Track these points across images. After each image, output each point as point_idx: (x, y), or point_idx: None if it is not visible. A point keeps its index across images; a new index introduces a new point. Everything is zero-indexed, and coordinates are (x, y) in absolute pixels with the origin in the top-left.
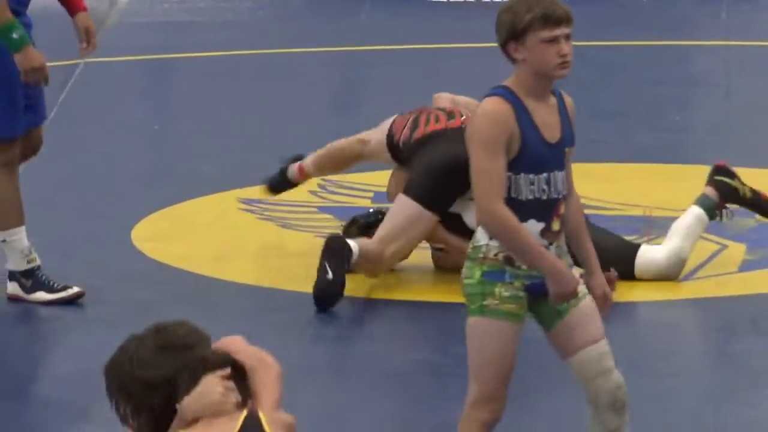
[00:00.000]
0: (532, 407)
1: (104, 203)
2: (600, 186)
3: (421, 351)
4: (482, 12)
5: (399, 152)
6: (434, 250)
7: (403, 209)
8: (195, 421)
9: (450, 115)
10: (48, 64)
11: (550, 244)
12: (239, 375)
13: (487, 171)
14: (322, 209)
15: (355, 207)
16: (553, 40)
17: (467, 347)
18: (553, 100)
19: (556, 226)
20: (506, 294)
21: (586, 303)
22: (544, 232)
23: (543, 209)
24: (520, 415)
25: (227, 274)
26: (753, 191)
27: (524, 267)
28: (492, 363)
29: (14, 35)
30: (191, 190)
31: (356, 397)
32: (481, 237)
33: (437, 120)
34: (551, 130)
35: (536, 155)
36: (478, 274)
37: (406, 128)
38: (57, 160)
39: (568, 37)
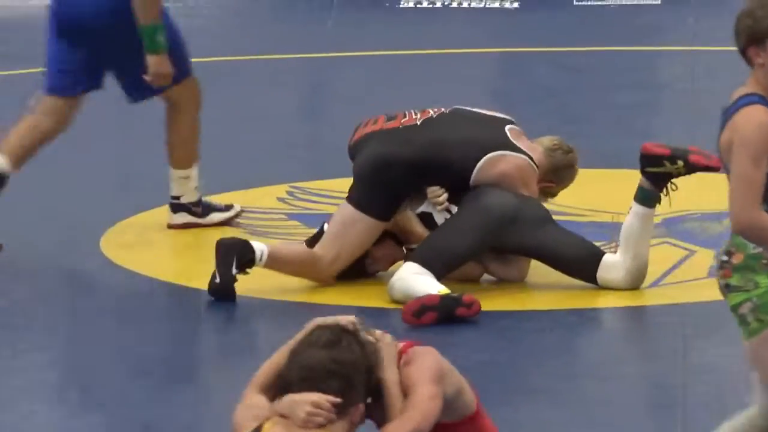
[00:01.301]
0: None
1: (74, 211)
2: (568, 191)
3: None
4: (450, 18)
5: (349, 157)
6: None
7: (341, 213)
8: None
9: (391, 117)
10: (21, 71)
11: None
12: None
13: (750, 179)
14: (291, 216)
15: (324, 213)
16: None
17: (760, 363)
18: None
19: None
20: None
21: None
22: None
23: None
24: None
25: (197, 282)
26: (685, 163)
27: None
28: None
29: (159, 38)
30: (161, 198)
31: None
32: (748, 243)
33: (375, 122)
34: None
35: None
36: (766, 281)
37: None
38: (27, 168)
39: None
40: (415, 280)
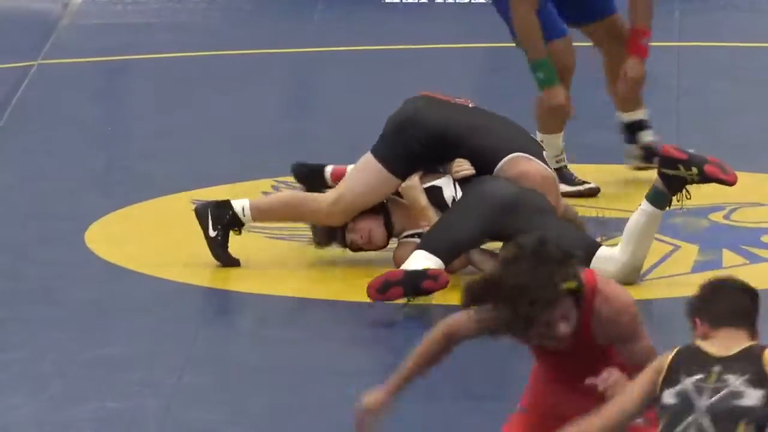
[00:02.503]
0: None
1: (58, 205)
2: None
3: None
4: (437, 13)
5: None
6: (409, 236)
7: (360, 160)
8: None
9: (446, 94)
10: (1, 66)
11: None
12: None
13: None
14: None
15: None
16: None
17: None
18: None
19: None
20: None
21: None
22: None
23: None
24: None
25: (182, 276)
26: (700, 171)
27: None
28: None
29: (540, 74)
30: (145, 192)
31: (314, 399)
32: None
33: (432, 91)
34: None
35: None
36: None
37: None
38: (10, 162)
39: None
40: (407, 263)
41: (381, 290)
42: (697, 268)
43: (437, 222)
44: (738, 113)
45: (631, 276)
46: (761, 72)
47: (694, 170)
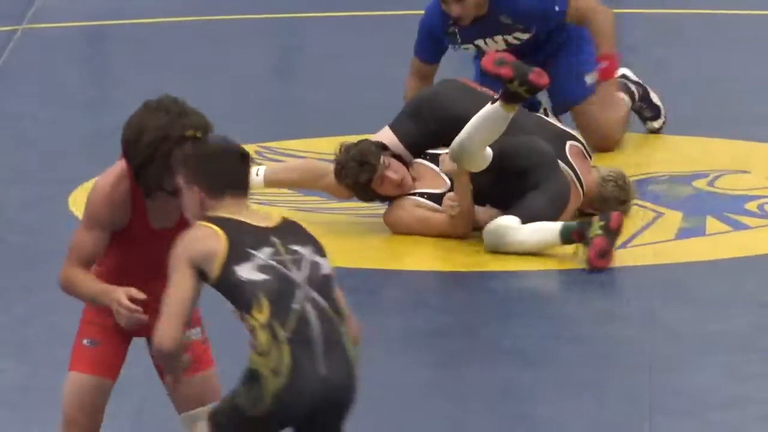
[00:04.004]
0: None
1: (42, 169)
2: None
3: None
4: None
5: None
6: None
7: (377, 133)
8: None
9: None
10: None
11: None
12: None
13: None
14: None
15: None
16: None
17: None
18: None
19: None
20: None
21: None
22: None
23: None
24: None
25: None
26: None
27: None
28: None
29: None
30: None
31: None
32: None
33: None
34: None
35: None
36: None
37: None
38: None
39: None
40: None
41: (497, 62)
42: (681, 235)
43: (529, 198)
44: (721, 81)
45: (456, 155)
46: (743, 40)
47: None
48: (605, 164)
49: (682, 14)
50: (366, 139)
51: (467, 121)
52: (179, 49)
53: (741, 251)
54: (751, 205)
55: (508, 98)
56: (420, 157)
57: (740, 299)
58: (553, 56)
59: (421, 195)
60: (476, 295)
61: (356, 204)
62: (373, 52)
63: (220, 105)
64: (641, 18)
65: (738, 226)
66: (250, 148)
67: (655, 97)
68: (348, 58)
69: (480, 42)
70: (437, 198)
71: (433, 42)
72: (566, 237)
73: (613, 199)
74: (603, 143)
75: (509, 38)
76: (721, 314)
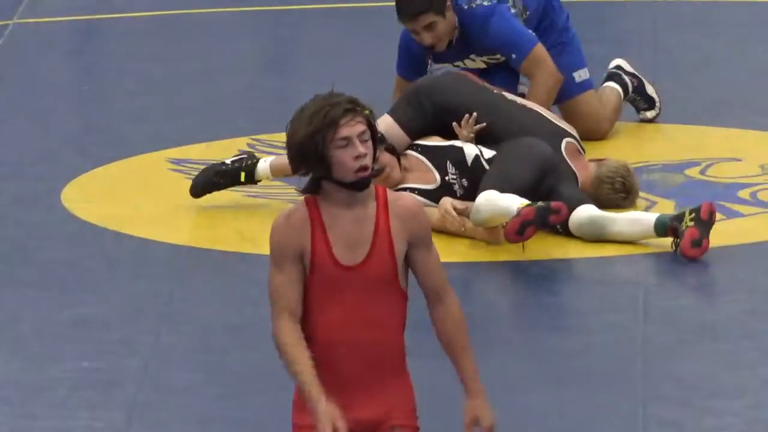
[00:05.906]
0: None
1: (34, 164)
2: None
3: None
4: None
5: None
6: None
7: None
8: None
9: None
10: None
11: None
12: None
13: None
14: None
15: None
16: None
17: None
18: None
19: None
20: None
21: None
22: None
23: None
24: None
25: (158, 235)
26: None
27: None
28: None
29: None
30: (121, 151)
31: None
32: None
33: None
34: None
35: None
36: None
37: None
38: None
39: None
40: (501, 197)
41: (519, 232)
42: None
43: (494, 167)
44: (714, 69)
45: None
46: (737, 27)
47: None
48: (599, 153)
49: (675, 1)
50: None
51: (466, 111)
52: (169, 42)
53: (734, 239)
54: (744, 193)
55: None
56: (415, 147)
57: (734, 287)
58: None
59: (411, 191)
60: (464, 286)
61: None
62: (366, 45)
63: (212, 98)
64: (636, 6)
65: (731, 214)
66: (241, 141)
67: (650, 89)
68: (341, 51)
69: (459, 63)
70: (427, 194)
71: (413, 59)
72: (661, 232)
73: (606, 201)
74: (589, 135)
75: (485, 59)
76: (715, 302)
